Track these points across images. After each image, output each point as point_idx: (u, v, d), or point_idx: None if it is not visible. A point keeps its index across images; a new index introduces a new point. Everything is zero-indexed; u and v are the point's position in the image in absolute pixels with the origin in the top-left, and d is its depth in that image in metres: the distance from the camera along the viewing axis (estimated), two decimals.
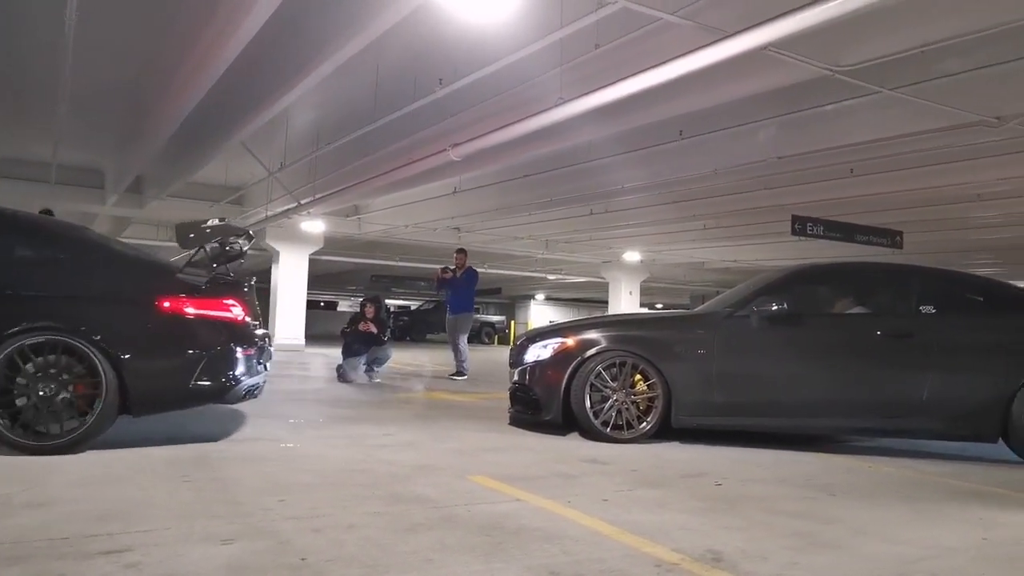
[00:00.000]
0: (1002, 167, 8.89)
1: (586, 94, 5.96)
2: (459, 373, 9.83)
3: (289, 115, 9.33)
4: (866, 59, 5.74)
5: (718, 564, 2.54)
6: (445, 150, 8.06)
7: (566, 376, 5.07)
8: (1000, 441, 4.89)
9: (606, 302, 23.56)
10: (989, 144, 7.86)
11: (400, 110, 7.97)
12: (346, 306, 39.39)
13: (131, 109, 9.13)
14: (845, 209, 12.08)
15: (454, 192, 12.77)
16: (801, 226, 11.92)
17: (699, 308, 6.00)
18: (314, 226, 15.52)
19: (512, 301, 40.80)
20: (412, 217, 15.38)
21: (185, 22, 6.39)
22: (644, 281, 22.96)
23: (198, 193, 14.54)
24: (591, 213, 14.03)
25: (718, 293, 27.57)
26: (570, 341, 5.25)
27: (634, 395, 5.04)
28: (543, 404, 5.23)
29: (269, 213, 13.84)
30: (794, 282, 5.55)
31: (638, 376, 5.05)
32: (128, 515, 2.80)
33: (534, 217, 14.85)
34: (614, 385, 5.02)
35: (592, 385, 5.02)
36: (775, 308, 5.05)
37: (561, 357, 5.19)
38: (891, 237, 13.14)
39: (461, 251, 10.30)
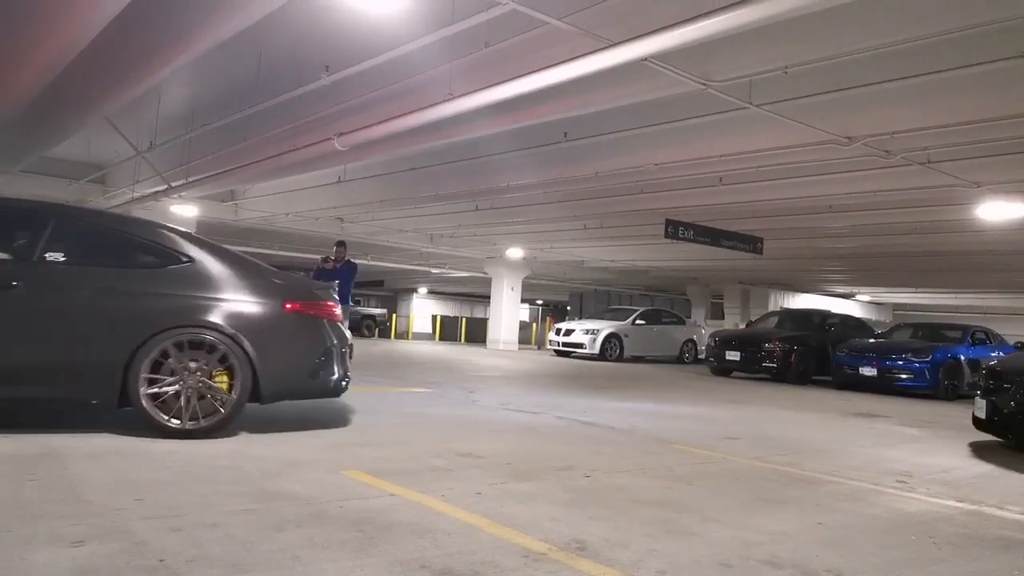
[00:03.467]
0: (851, 182, 9.73)
1: (475, 91, 6.03)
2: None
3: (161, 92, 8.82)
4: (736, 76, 6.14)
5: (583, 553, 2.66)
6: (330, 139, 7.89)
7: None
8: (128, 408, 4.33)
9: (488, 297, 23.80)
10: (840, 161, 8.58)
11: (283, 95, 7.74)
12: None
13: None
14: (714, 215, 12.82)
15: (338, 181, 12.50)
16: (674, 230, 12.59)
17: None
18: (186, 210, 14.71)
19: (395, 294, 40.35)
20: (293, 205, 14.92)
21: None
22: (526, 278, 23.36)
23: (55, 169, 13.45)
24: (476, 209, 14.14)
25: (595, 291, 28.19)
26: None
27: None
28: None
29: (135, 195, 13.01)
30: None
31: None
32: None
33: (419, 210, 14.80)
34: None
35: None
36: None
37: None
38: (753, 243, 14.10)
39: (341, 243, 10.13)
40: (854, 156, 8.20)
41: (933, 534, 3.25)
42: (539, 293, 35.98)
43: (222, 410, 4.43)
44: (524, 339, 24.85)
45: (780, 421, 7.42)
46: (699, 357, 18.56)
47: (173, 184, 11.58)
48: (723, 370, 14.42)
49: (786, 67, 5.93)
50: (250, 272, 4.84)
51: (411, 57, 6.51)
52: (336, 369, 4.94)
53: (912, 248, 15.28)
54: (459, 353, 18.22)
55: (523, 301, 27.26)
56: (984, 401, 6.01)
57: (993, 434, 6.10)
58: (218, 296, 4.60)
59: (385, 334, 28.23)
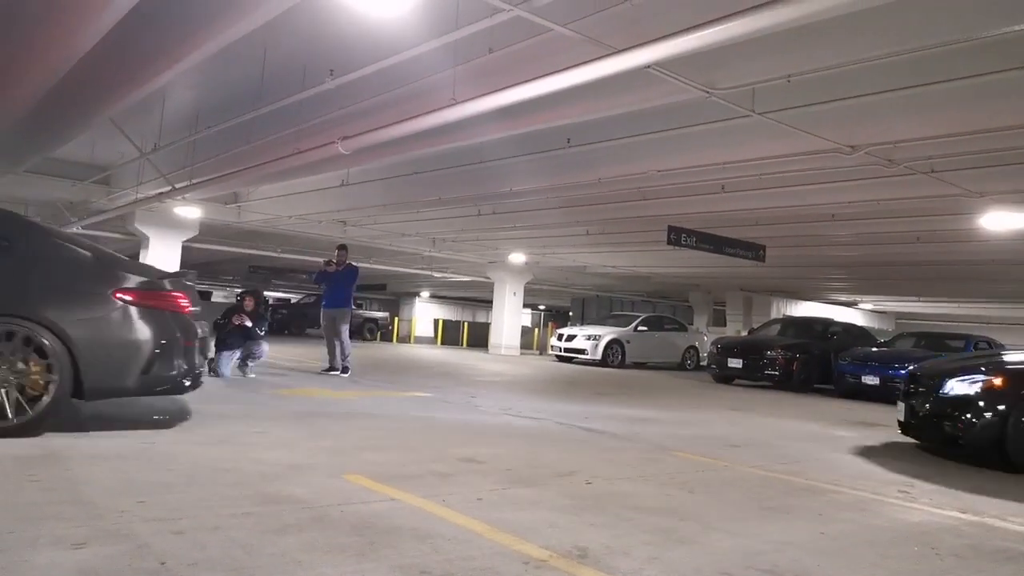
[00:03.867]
0: (854, 191, 9.71)
1: (479, 96, 6.03)
2: (344, 369, 9.67)
3: (166, 94, 8.83)
4: (739, 84, 6.14)
5: (583, 560, 2.65)
6: (334, 142, 7.89)
7: None
8: None
9: (491, 302, 23.79)
10: (843, 169, 8.57)
11: (288, 98, 7.75)
12: (221, 296, 37.62)
13: None
14: (716, 222, 12.81)
15: (342, 185, 12.51)
16: (676, 237, 12.59)
17: None
18: (189, 212, 14.73)
19: (397, 297, 40.35)
20: (296, 208, 14.92)
21: None
22: (528, 283, 23.37)
23: (59, 170, 13.49)
24: (479, 213, 14.14)
25: (597, 297, 28.17)
26: None
27: None
28: None
29: (139, 196, 13.03)
30: None
31: None
32: None
33: (422, 214, 14.81)
34: None
35: None
36: None
37: None
38: (755, 251, 14.09)
39: (342, 247, 10.18)
40: (857, 165, 8.18)
41: (936, 545, 3.24)
42: (541, 298, 35.98)
43: (44, 400, 4.07)
44: (526, 344, 24.84)
45: (782, 429, 7.40)
46: (701, 364, 18.54)
47: (177, 186, 11.58)
48: (725, 377, 14.40)
49: (789, 76, 5.93)
50: (77, 258, 4.49)
51: (415, 62, 6.52)
52: (176, 364, 4.52)
53: (915, 257, 15.24)
54: (461, 357, 18.21)
55: (525, 306, 27.24)
56: (904, 404, 6.19)
57: (911, 436, 6.27)
58: (37, 282, 4.24)
59: (387, 338, 28.24)
